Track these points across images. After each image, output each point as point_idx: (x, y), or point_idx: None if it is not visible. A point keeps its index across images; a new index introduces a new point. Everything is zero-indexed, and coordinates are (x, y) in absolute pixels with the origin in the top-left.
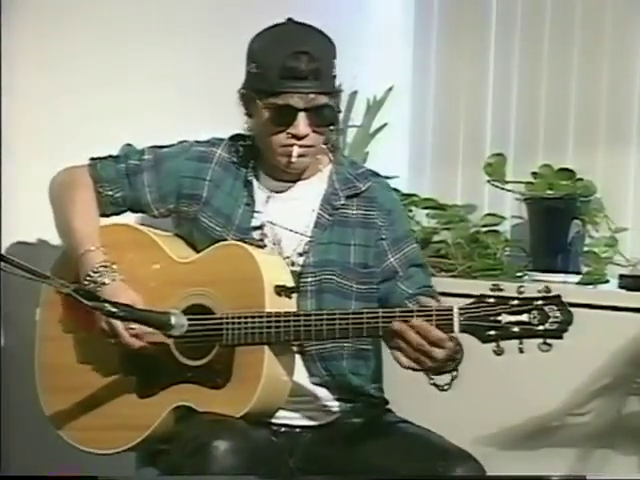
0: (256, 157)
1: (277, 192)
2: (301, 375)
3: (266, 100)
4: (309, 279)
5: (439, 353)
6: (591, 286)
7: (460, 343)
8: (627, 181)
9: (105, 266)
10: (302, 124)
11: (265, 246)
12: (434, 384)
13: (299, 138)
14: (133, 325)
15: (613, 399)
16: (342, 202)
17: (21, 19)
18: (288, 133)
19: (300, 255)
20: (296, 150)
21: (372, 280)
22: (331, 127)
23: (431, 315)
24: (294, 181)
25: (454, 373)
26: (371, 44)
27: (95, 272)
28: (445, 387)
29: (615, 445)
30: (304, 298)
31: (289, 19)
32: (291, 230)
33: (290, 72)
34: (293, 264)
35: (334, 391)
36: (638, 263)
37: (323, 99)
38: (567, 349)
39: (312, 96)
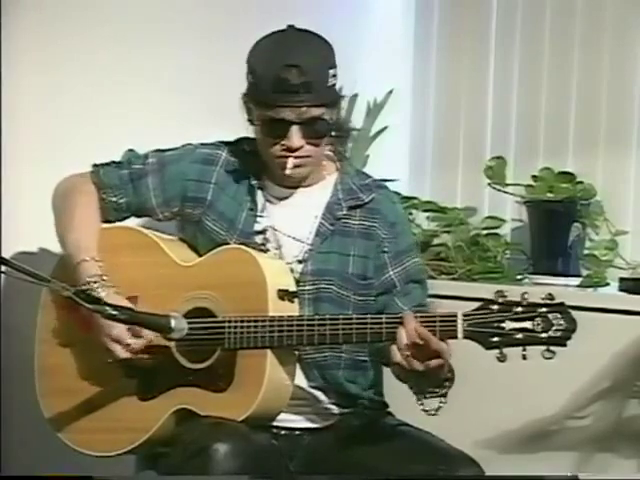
0: (260, 162)
1: (280, 198)
2: (300, 379)
3: (260, 112)
4: (307, 287)
5: (434, 362)
6: (591, 289)
7: (453, 370)
8: (627, 184)
9: (97, 281)
10: (295, 137)
11: (268, 251)
12: (423, 409)
13: (293, 150)
14: (132, 340)
15: (613, 402)
16: (344, 212)
17: (21, 19)
18: (282, 145)
19: (299, 263)
20: (291, 162)
21: (370, 292)
22: (339, 135)
23: (435, 321)
24: (297, 187)
25: (443, 400)
26: (372, 47)
27: (88, 285)
28: (432, 412)
29: (615, 448)
30: (302, 306)
31: (290, 26)
32: (292, 237)
33: (281, 85)
34: (292, 271)
35: (331, 397)
36: (638, 266)
37: (316, 111)
38: (567, 352)
39: (304, 109)
